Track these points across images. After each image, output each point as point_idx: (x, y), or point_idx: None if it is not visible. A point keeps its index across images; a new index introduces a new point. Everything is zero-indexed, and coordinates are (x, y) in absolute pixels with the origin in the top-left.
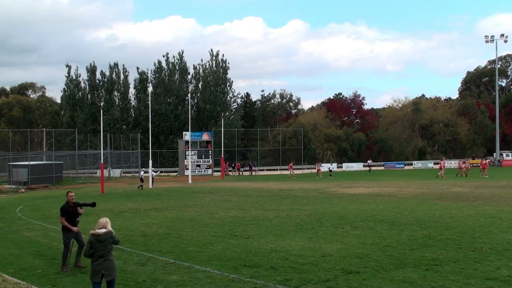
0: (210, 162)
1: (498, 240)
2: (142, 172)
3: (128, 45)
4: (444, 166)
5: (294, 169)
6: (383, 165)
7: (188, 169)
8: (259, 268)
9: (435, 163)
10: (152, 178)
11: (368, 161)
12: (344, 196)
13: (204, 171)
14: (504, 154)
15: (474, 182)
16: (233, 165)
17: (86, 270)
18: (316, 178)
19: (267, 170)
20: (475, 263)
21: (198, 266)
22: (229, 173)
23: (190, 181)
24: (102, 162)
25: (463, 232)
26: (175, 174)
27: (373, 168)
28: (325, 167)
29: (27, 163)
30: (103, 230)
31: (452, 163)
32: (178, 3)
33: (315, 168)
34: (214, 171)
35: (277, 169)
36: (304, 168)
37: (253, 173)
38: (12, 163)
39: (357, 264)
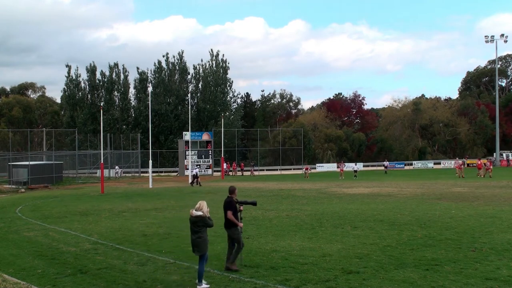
0: (210, 162)
1: (498, 240)
2: (196, 170)
3: (128, 45)
4: (483, 166)
5: (294, 169)
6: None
7: (188, 169)
8: (259, 268)
9: (435, 163)
10: (196, 176)
11: (385, 162)
12: (344, 196)
13: (204, 171)
14: (504, 154)
15: (474, 182)
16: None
17: (86, 270)
18: (339, 179)
19: (267, 170)
20: (475, 263)
21: (198, 266)
22: (229, 173)
23: (190, 181)
24: (102, 162)
25: (463, 232)
26: (175, 174)
27: (373, 168)
28: (348, 167)
29: (27, 163)
30: (197, 213)
31: (453, 163)
32: (179, 3)
33: (338, 168)
34: (214, 171)
35: (277, 169)
36: (303, 169)
37: (250, 173)
38: (12, 163)
39: (357, 264)
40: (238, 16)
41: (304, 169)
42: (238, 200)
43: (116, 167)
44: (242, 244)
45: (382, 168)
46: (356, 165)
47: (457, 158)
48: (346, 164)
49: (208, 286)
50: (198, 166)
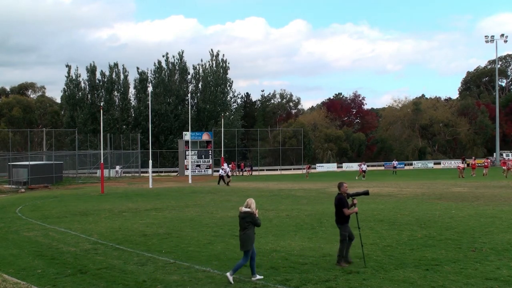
0: (210, 162)
1: (498, 240)
2: (228, 169)
3: (129, 45)
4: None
5: (294, 169)
6: (383, 165)
7: (188, 169)
8: (259, 268)
9: (435, 163)
10: (227, 175)
11: (393, 162)
12: None
13: (204, 171)
14: (504, 154)
15: (474, 182)
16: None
17: (86, 270)
18: (356, 179)
19: (267, 170)
20: (475, 263)
21: (198, 266)
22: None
23: (190, 181)
24: (102, 162)
25: (463, 232)
26: (175, 174)
27: (372, 168)
28: (348, 166)
29: (27, 163)
30: (246, 209)
31: (452, 163)
32: (180, 3)
33: (358, 168)
34: (214, 171)
35: (277, 169)
36: (304, 168)
37: (246, 173)
38: (12, 163)
39: (357, 264)
40: (239, 16)
41: (305, 167)
42: (350, 193)
43: (117, 167)
44: (345, 242)
45: (382, 168)
46: (363, 165)
47: (473, 157)
48: (358, 164)
49: (262, 277)
50: (227, 165)
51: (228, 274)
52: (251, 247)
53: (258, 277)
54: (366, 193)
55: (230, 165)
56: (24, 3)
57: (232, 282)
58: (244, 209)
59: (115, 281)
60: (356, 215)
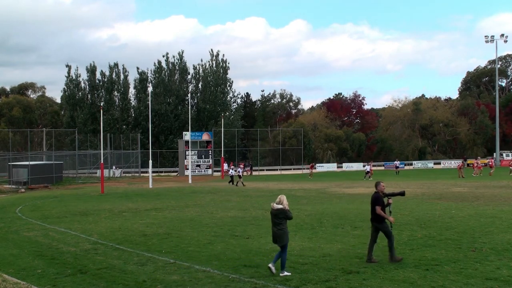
0: (210, 162)
1: (498, 240)
2: (239, 169)
3: (129, 45)
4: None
5: (294, 169)
6: (383, 165)
7: (188, 169)
8: (259, 268)
9: (435, 163)
10: (239, 175)
11: (396, 162)
12: (344, 196)
13: (204, 171)
14: (504, 154)
15: (474, 182)
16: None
17: (86, 270)
18: (363, 179)
19: (267, 170)
20: (475, 263)
21: (198, 266)
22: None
23: (190, 181)
24: (102, 162)
25: (463, 232)
26: (175, 174)
27: (374, 168)
28: (348, 167)
29: (27, 163)
30: (278, 206)
31: (453, 163)
32: (181, 3)
33: (364, 167)
34: (214, 171)
35: (277, 169)
36: (304, 168)
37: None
38: (12, 163)
39: (357, 264)
40: (239, 16)
41: (309, 167)
42: (386, 193)
43: (114, 167)
44: (392, 236)
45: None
46: (368, 166)
47: (479, 157)
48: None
49: (290, 274)
50: (241, 166)
51: (281, 274)
52: (287, 241)
53: (286, 273)
54: (402, 193)
55: (240, 166)
56: (24, 3)
57: (290, 273)
58: (276, 205)
59: (115, 281)
60: (390, 223)
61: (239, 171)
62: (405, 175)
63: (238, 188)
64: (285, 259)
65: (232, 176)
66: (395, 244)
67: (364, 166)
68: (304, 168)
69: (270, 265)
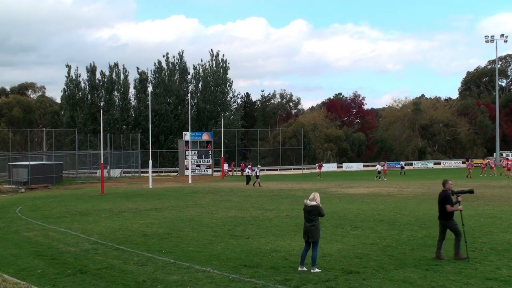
0: (210, 162)
1: (498, 240)
2: (256, 169)
3: (129, 45)
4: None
5: (294, 169)
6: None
7: (188, 169)
8: (259, 268)
9: (435, 163)
10: (256, 175)
11: (401, 163)
12: (344, 196)
13: (204, 171)
14: (504, 154)
15: (474, 182)
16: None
17: (86, 270)
18: (375, 179)
19: (267, 170)
20: (475, 263)
21: (198, 266)
22: (229, 173)
23: (190, 181)
24: (102, 162)
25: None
26: (175, 174)
27: (373, 168)
28: (349, 167)
29: (27, 163)
30: (312, 203)
31: (453, 163)
32: (181, 3)
33: (376, 167)
34: (214, 171)
35: (277, 169)
36: (304, 168)
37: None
38: (12, 163)
39: (357, 264)
40: (240, 16)
41: (318, 166)
42: (454, 191)
43: (108, 167)
44: (460, 234)
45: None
46: (379, 164)
47: (490, 158)
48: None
49: (320, 271)
50: (257, 166)
51: (312, 270)
52: (319, 237)
53: (317, 270)
54: (471, 191)
55: (258, 166)
56: (24, 3)
57: (320, 270)
58: (310, 202)
59: (115, 281)
60: (461, 213)
61: (256, 171)
62: (407, 175)
63: (238, 188)
64: (316, 256)
65: (248, 176)
66: (395, 244)
67: (378, 165)
68: (304, 168)
69: (300, 268)
